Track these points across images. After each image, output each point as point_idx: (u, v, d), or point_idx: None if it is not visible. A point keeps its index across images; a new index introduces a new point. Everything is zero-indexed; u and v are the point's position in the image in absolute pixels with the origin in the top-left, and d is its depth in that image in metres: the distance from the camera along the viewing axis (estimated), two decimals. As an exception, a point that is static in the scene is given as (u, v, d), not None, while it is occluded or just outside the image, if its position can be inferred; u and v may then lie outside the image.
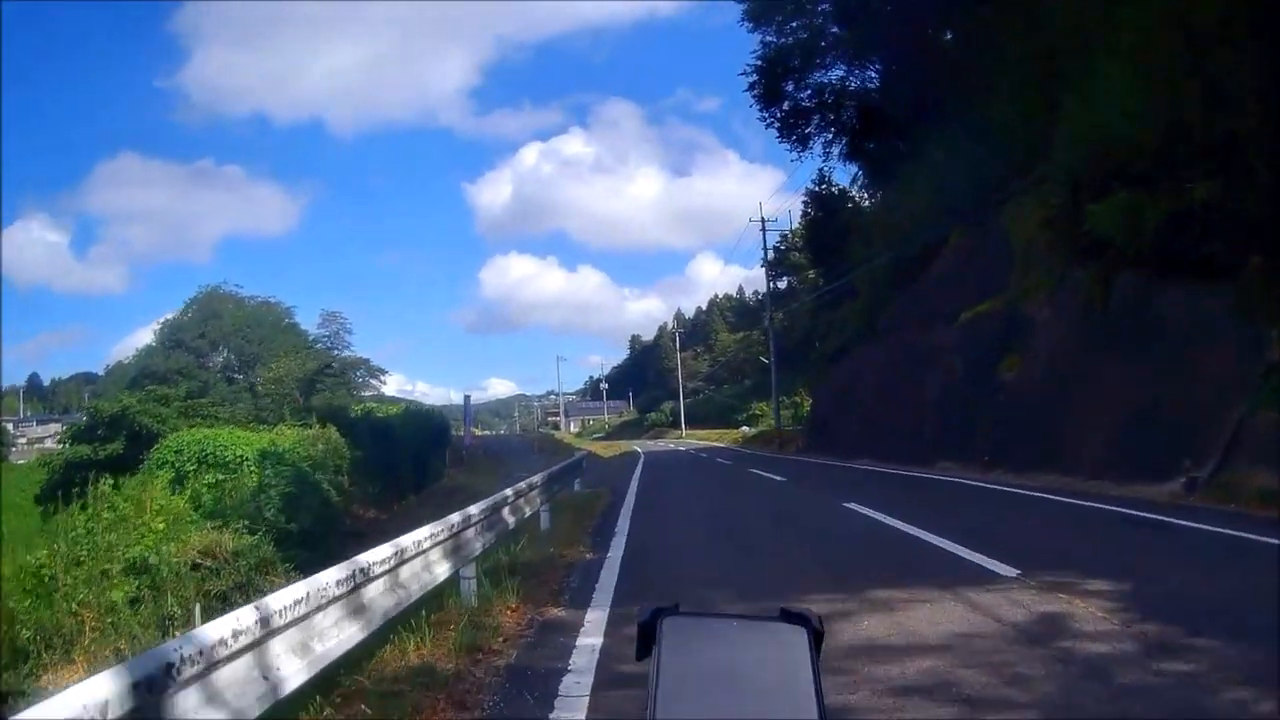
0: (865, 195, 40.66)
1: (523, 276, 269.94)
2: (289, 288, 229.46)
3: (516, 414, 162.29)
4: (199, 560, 11.64)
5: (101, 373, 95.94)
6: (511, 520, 9.98)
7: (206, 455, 23.38)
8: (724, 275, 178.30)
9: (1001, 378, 21.61)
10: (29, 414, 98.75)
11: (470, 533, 7.75)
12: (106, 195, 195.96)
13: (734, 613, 1.00)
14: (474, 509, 8.22)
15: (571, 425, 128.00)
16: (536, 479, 12.24)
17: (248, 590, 11.05)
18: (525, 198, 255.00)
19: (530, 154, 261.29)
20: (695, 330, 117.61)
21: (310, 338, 74.13)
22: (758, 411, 76.90)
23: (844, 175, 43.82)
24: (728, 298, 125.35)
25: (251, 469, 23.07)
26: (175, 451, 23.60)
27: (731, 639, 0.95)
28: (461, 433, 56.56)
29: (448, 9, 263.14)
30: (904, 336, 28.43)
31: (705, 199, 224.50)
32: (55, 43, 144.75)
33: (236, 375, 63.45)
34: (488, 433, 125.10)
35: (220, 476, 21.99)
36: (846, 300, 37.28)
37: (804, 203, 44.34)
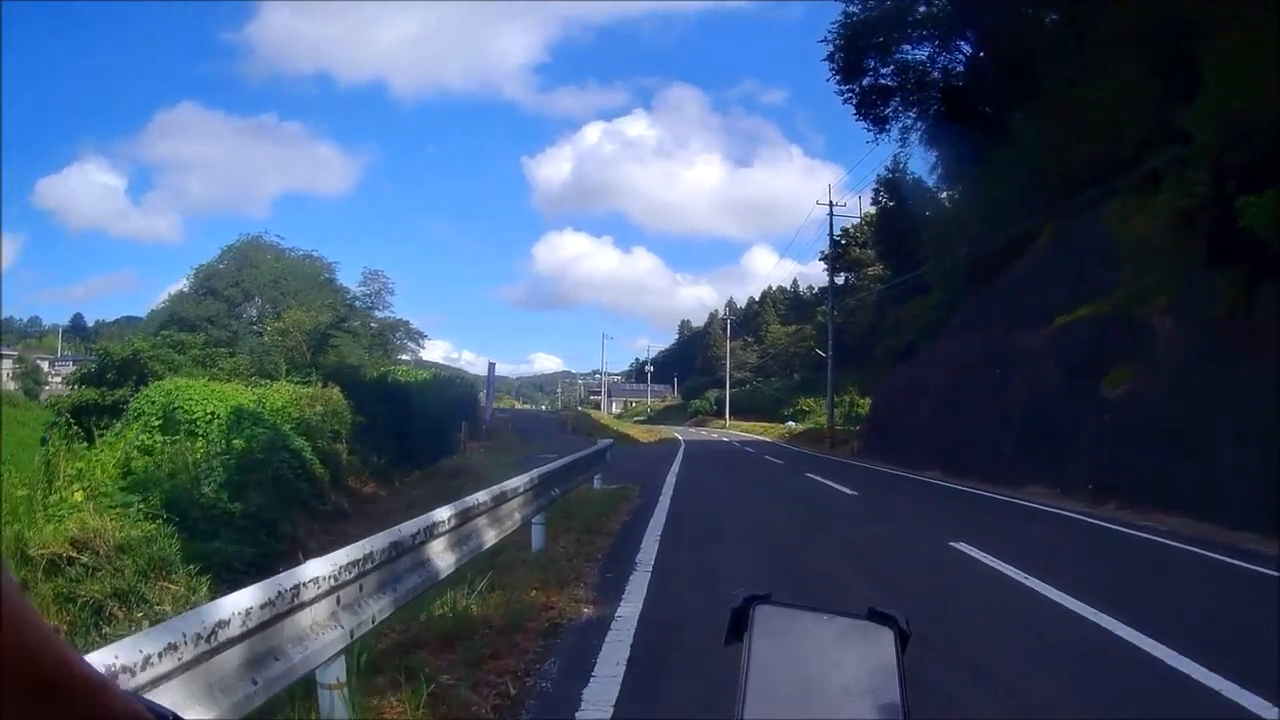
0: (944, 186, 37.35)
1: (577, 254, 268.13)
2: (342, 249, 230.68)
3: (560, 390, 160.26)
4: (71, 555, 8.81)
5: (145, 316, 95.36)
6: (490, 536, 7.05)
7: (173, 410, 20.53)
8: (779, 269, 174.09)
9: (1106, 393, 18.54)
10: (68, 354, 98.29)
11: (406, 561, 4.98)
12: (165, 143, 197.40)
13: (824, 608, 0.96)
14: (442, 513, 5.78)
15: (613, 406, 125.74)
16: (519, 484, 8.25)
17: (130, 601, 8.40)
18: (585, 176, 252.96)
19: (593, 133, 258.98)
20: (746, 320, 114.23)
21: (350, 295, 72.49)
22: (804, 407, 73.92)
23: (920, 164, 40.46)
24: (781, 290, 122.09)
25: (222, 429, 20.30)
26: (152, 403, 21.08)
27: (821, 634, 0.94)
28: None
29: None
30: (983, 337, 25.38)
31: (765, 191, 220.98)
32: None
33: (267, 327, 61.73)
34: (528, 406, 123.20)
35: (162, 438, 19.12)
36: (916, 296, 34.24)
37: (875, 190, 41.23)
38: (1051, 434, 19.73)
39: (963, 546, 10.07)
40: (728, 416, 76.56)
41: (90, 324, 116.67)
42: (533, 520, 8.93)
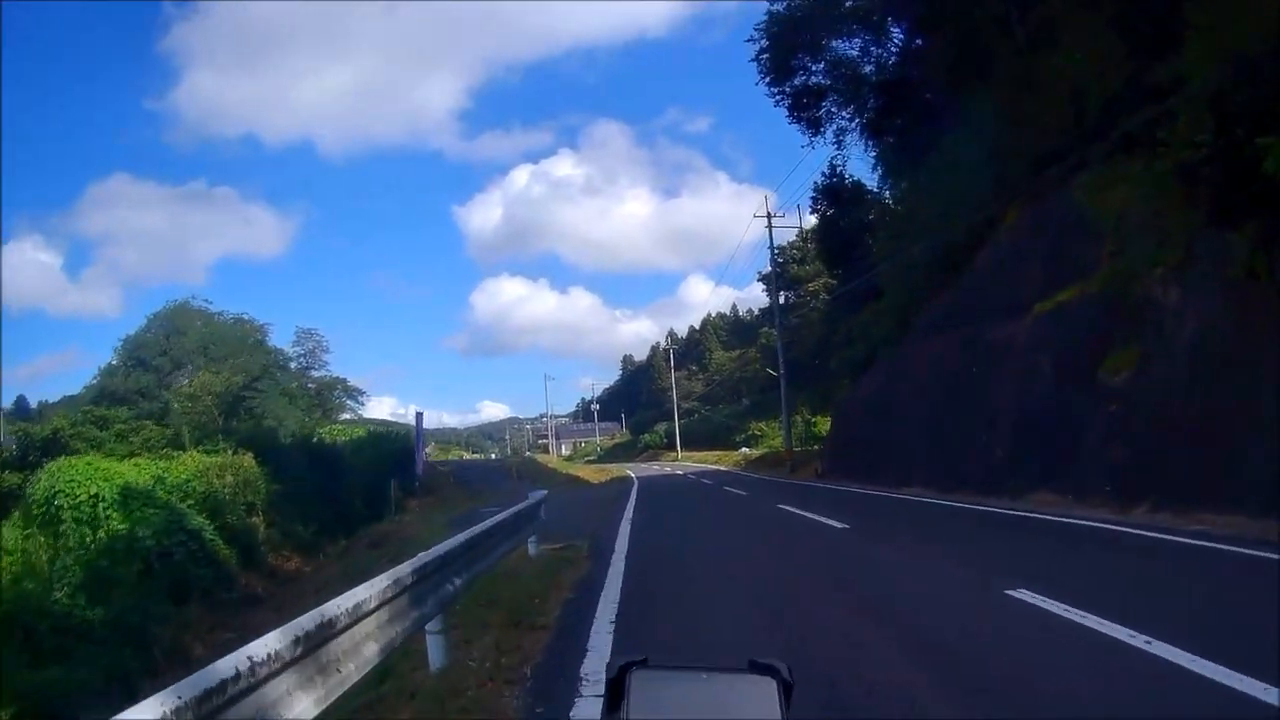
0: (886, 185, 35.38)
1: (514, 299, 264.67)
2: (282, 309, 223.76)
3: (508, 437, 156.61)
4: None
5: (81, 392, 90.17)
6: (372, 653, 4.36)
7: (54, 495, 17.28)
8: (715, 296, 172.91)
9: (1108, 381, 16.25)
10: (11, 437, 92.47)
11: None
12: (99, 216, 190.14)
13: (703, 665, 0.95)
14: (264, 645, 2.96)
15: (563, 448, 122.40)
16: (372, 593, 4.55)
17: None
18: (516, 219, 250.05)
19: (520, 176, 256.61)
20: (689, 350, 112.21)
21: (284, 356, 68.70)
22: (756, 431, 71.61)
23: (860, 166, 38.63)
24: (721, 316, 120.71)
25: (109, 513, 16.99)
26: (36, 487, 17.78)
27: (701, 692, 0.92)
28: (431, 456, 51.31)
29: (436, 31, 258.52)
30: (954, 337, 23.13)
31: (695, 220, 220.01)
32: (43, 62, 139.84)
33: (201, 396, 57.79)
34: (477, 456, 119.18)
35: (27, 531, 15.83)
36: (869, 303, 32.08)
37: (814, 199, 39.11)
38: (1049, 433, 17.35)
39: (1023, 595, 7.22)
40: (679, 448, 73.87)
41: (34, 405, 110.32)
42: (428, 633, 6.01)
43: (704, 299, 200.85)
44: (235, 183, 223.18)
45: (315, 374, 76.18)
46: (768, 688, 0.90)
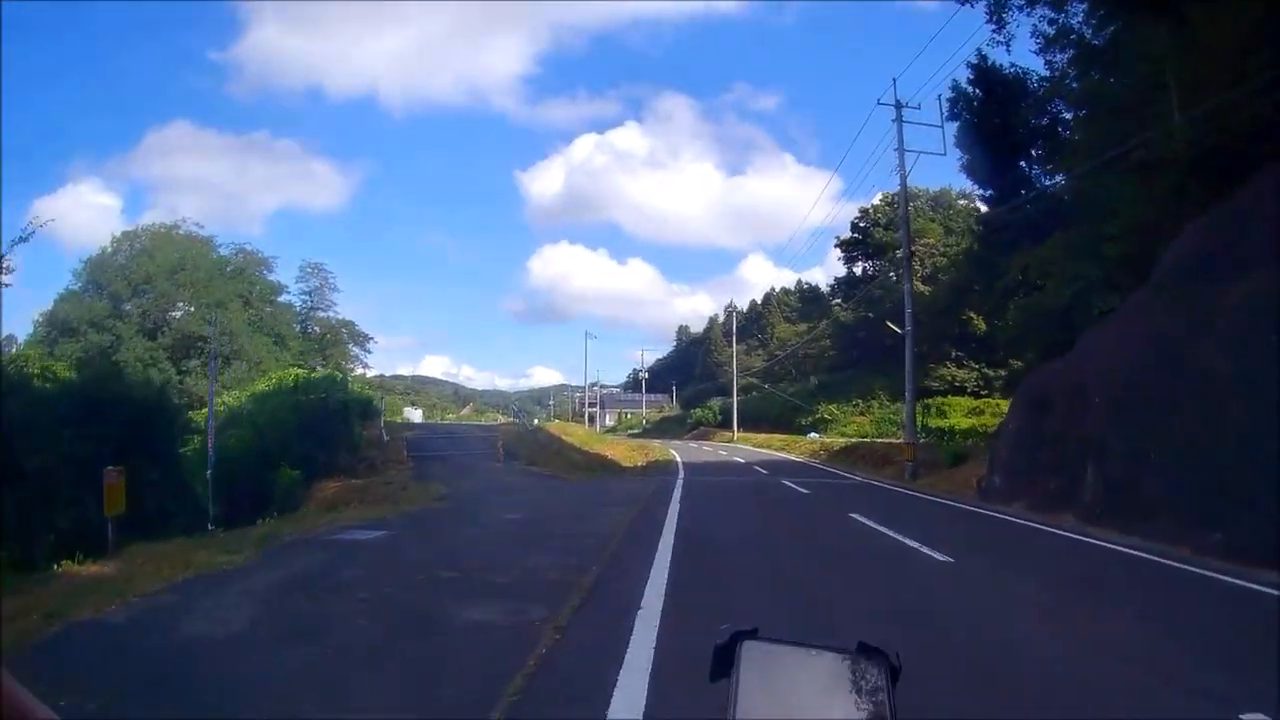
0: (1070, 67, 23.10)
1: (572, 267, 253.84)
2: (339, 265, 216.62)
3: (552, 402, 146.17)
4: None
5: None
6: None
7: None
8: (777, 277, 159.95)
9: None
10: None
11: None
12: (159, 162, 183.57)
13: (813, 643, 0.92)
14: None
15: (607, 418, 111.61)
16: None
17: None
18: (577, 188, 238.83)
19: (584, 145, 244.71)
20: (749, 324, 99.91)
21: (271, 290, 58.46)
22: (826, 415, 59.66)
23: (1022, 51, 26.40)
24: (785, 291, 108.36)
25: None
26: None
27: (809, 669, 0.90)
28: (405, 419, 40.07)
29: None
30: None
31: (758, 199, 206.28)
32: (106, 8, 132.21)
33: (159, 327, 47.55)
34: (504, 421, 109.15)
35: None
36: (1057, 231, 20.19)
37: (951, 99, 26.93)
38: None
39: None
40: (735, 428, 62.13)
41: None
42: None
43: (762, 279, 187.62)
44: (298, 135, 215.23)
45: (322, 314, 66.42)
46: (875, 670, 0.86)
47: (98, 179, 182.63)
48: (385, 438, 26.68)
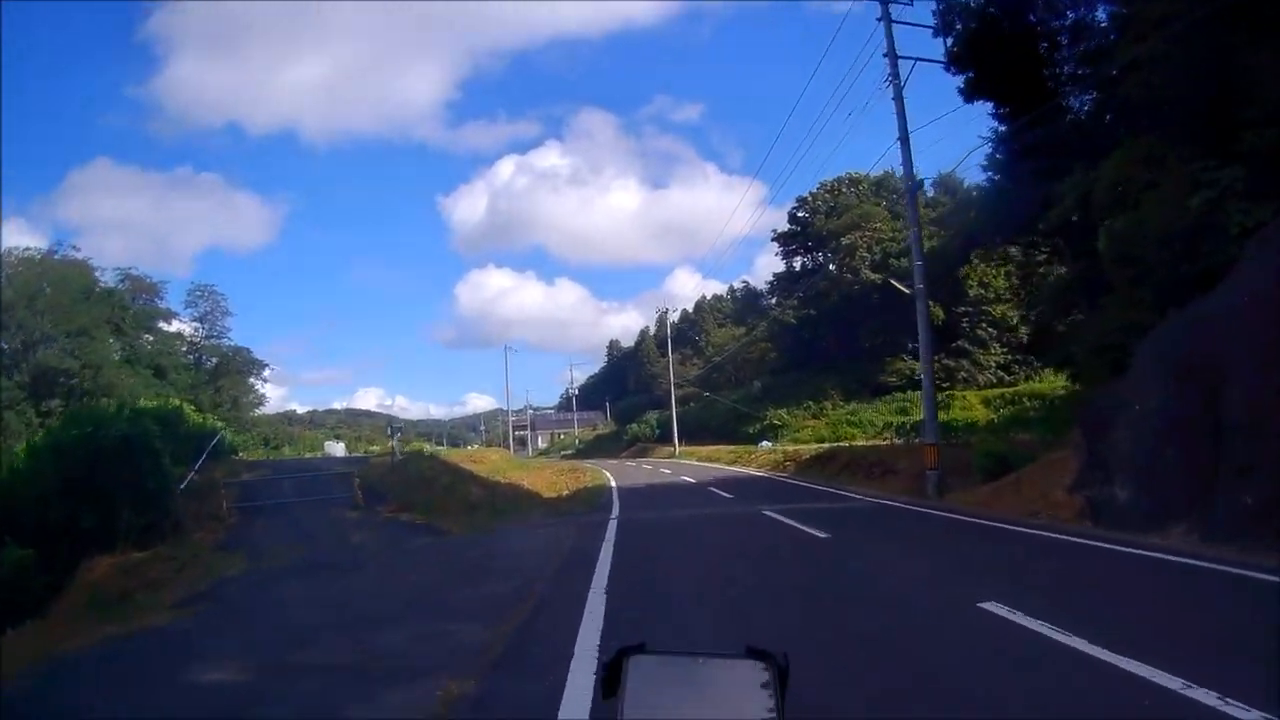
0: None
1: (500, 290, 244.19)
2: (269, 301, 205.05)
3: (483, 428, 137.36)
4: None
5: None
6: None
7: None
8: (703, 288, 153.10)
9: None
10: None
11: None
12: (83, 201, 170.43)
13: (699, 650, 0.90)
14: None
15: (539, 440, 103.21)
16: None
17: None
18: (501, 211, 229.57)
19: (506, 167, 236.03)
20: (682, 334, 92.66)
21: (149, 317, 49.32)
22: (775, 421, 52.66)
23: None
24: (717, 298, 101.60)
25: None
26: None
27: (698, 678, 0.87)
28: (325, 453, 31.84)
29: (419, 20, 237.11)
30: None
31: (683, 212, 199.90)
32: (23, 46, 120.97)
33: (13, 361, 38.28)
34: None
35: None
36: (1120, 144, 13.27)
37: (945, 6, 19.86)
38: None
39: None
40: (677, 441, 54.57)
41: None
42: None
43: (691, 291, 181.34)
44: (220, 169, 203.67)
45: (214, 342, 57.03)
46: (761, 673, 0.83)
47: (22, 220, 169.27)
48: (226, 481, 18.40)
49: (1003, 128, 19.49)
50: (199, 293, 55.81)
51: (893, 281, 19.40)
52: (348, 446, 74.07)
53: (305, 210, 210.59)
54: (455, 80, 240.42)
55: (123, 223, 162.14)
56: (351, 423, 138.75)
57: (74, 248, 45.32)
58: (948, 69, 19.93)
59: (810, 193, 62.91)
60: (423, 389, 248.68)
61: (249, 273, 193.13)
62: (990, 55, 18.88)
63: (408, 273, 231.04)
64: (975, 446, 19.00)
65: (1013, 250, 26.44)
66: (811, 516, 13.67)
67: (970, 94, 20.14)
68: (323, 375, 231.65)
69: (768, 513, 14.75)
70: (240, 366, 56.28)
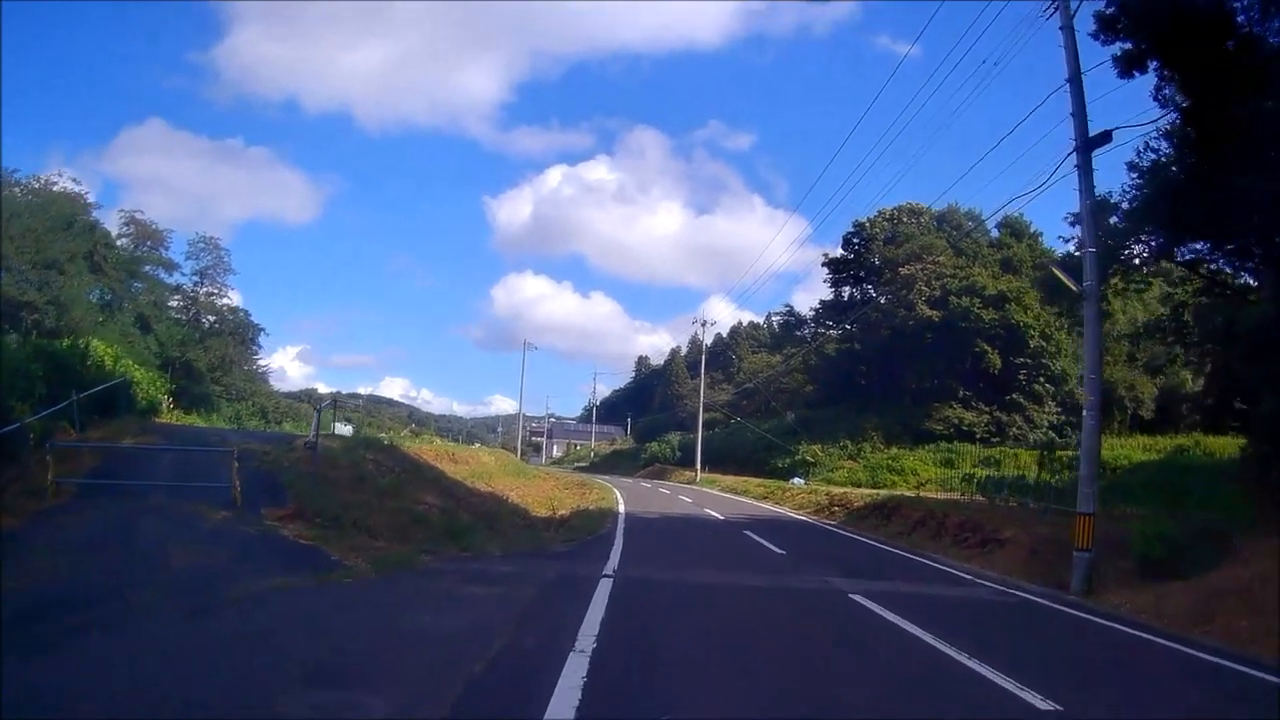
0: None
1: (535, 296, 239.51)
2: (304, 280, 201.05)
3: (500, 430, 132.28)
4: None
5: None
6: None
7: None
8: (736, 317, 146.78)
9: None
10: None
11: None
12: (132, 159, 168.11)
13: None
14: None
15: (555, 449, 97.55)
16: None
17: None
18: (545, 218, 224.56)
19: (554, 175, 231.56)
20: (713, 359, 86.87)
21: (133, 260, 44.37)
22: (808, 457, 46.58)
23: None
24: (753, 325, 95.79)
25: None
26: None
27: None
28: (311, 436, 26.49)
29: (483, 17, 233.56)
30: None
31: (725, 240, 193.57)
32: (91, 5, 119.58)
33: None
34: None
35: None
36: None
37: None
38: None
39: None
40: (699, 467, 48.71)
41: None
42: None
43: (726, 319, 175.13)
44: (271, 144, 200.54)
45: (213, 300, 52.09)
46: None
47: (70, 170, 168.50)
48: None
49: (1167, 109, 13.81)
50: (201, 244, 50.94)
51: (1057, 272, 13.51)
52: (357, 430, 68.95)
53: (350, 193, 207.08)
54: (512, 82, 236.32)
55: (168, 183, 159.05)
56: (374, 408, 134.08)
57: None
58: (1097, 36, 14.36)
59: (868, 218, 56.95)
60: (448, 385, 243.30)
61: (287, 249, 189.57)
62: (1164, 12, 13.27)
63: (445, 268, 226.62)
64: (1132, 522, 13.07)
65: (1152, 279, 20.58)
66: (940, 616, 8.00)
67: (1131, 65, 14.42)
68: (351, 360, 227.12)
69: (857, 599, 9.00)
70: (234, 329, 51.26)
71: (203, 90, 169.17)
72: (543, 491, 26.14)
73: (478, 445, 52.01)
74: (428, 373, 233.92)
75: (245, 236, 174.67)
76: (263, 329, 56.09)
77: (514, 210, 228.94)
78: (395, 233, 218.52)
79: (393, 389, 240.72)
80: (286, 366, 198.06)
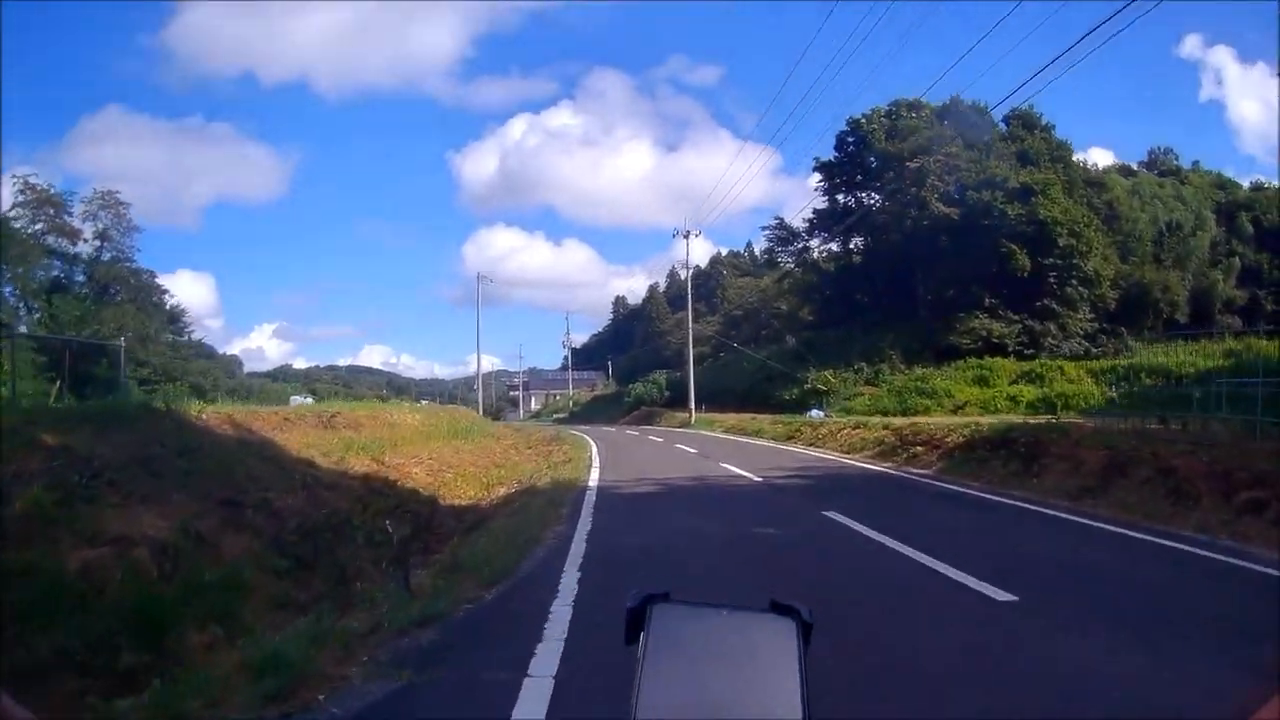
0: None
1: (508, 250, 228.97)
2: (277, 255, 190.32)
3: (477, 387, 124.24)
4: None
5: None
6: None
7: None
8: (712, 251, 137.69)
9: None
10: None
11: None
12: (92, 150, 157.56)
13: (725, 604, 0.89)
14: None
15: (533, 401, 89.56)
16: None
17: None
18: (511, 170, 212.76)
19: (518, 125, 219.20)
20: (695, 290, 78.47)
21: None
22: (819, 385, 38.67)
23: None
24: (734, 254, 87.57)
25: None
26: None
27: (720, 629, 0.85)
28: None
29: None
30: None
31: (695, 176, 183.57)
32: None
33: None
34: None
35: None
36: None
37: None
38: None
39: None
40: (693, 406, 40.65)
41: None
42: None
43: (699, 257, 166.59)
44: (232, 119, 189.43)
45: (118, 261, 42.84)
46: (786, 627, 0.82)
47: (29, 167, 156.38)
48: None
49: None
50: (98, 199, 41.41)
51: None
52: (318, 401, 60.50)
53: (316, 163, 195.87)
54: (471, 35, 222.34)
55: (132, 172, 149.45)
56: (353, 379, 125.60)
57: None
58: None
59: (863, 115, 47.96)
60: (428, 348, 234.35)
61: (259, 224, 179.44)
62: None
63: (416, 230, 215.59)
64: None
65: None
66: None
67: None
68: (331, 331, 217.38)
69: None
70: (135, 294, 42.12)
71: (157, 72, 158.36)
72: (488, 459, 18.03)
73: (425, 402, 43.77)
74: (407, 337, 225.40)
75: (214, 219, 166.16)
76: (166, 290, 47.27)
77: (480, 164, 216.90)
78: (364, 199, 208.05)
79: (373, 358, 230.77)
80: (265, 345, 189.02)
